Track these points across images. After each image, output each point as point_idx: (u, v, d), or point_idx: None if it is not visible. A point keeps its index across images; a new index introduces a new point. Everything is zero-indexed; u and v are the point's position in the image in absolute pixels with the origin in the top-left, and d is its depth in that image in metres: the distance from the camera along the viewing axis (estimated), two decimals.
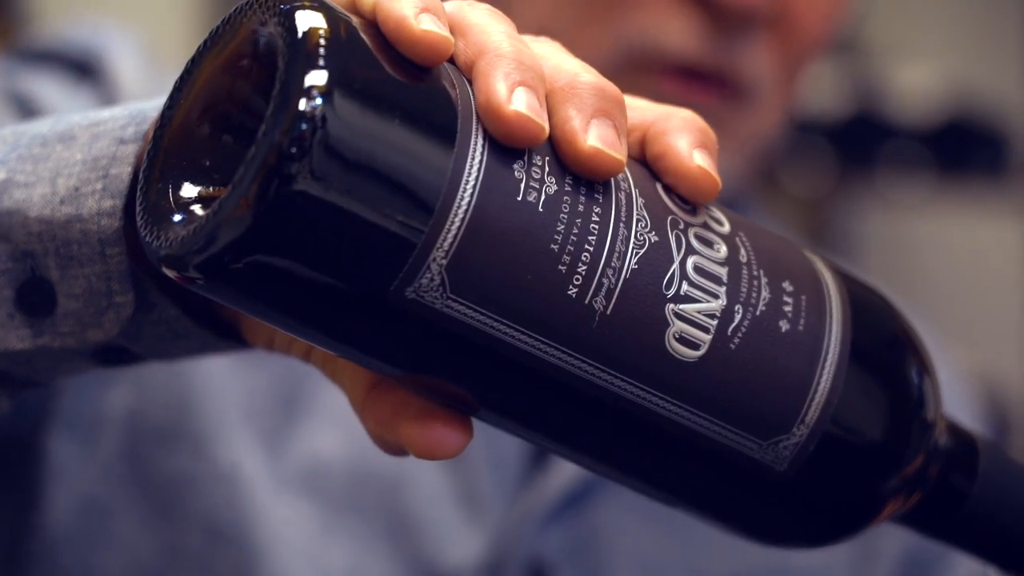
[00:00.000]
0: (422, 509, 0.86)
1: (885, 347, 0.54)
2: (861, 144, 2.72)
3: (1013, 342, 2.71)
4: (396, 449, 0.52)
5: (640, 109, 0.53)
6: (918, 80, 2.75)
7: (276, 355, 0.86)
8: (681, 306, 0.49)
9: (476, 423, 0.52)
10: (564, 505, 0.88)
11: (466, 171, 0.46)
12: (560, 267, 0.47)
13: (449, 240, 0.45)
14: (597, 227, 0.48)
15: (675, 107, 0.53)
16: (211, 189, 0.47)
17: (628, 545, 0.89)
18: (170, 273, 0.46)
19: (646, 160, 0.52)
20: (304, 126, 0.43)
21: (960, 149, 2.68)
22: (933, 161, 2.69)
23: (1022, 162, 2.65)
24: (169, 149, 0.48)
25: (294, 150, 0.43)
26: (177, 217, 0.47)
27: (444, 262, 0.46)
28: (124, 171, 0.52)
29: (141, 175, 0.49)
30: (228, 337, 0.57)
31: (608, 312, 0.48)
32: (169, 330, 0.55)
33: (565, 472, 0.88)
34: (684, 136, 0.52)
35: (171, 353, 0.57)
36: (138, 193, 0.48)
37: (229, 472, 0.84)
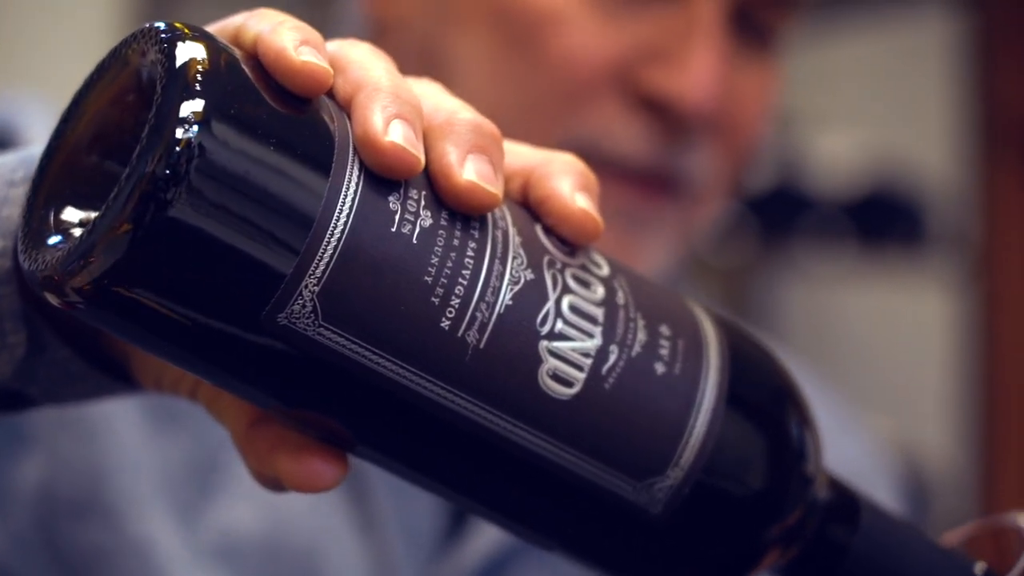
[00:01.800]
0: None
1: (763, 397, 0.54)
2: (781, 214, 2.73)
3: (932, 412, 2.72)
4: (274, 483, 0.52)
5: (521, 155, 0.54)
6: (838, 150, 2.77)
7: (189, 427, 0.86)
8: (555, 343, 0.49)
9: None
10: None
11: (340, 200, 0.46)
12: (433, 299, 0.48)
13: (321, 267, 0.46)
14: (472, 262, 0.48)
15: (555, 152, 0.54)
16: (91, 214, 0.47)
17: None
18: (50, 298, 0.47)
19: (528, 204, 0.53)
20: (178, 154, 0.44)
21: (880, 219, 2.70)
22: (853, 231, 2.71)
23: (941, 232, 2.67)
24: (54, 177, 0.49)
25: (168, 177, 0.44)
26: (55, 239, 0.47)
27: (316, 289, 0.46)
28: (14, 212, 0.52)
29: (25, 202, 0.49)
30: (119, 378, 0.57)
31: (481, 346, 0.48)
32: (63, 372, 0.55)
33: (480, 544, 0.88)
34: (566, 179, 0.53)
35: (65, 396, 0.57)
36: (21, 221, 0.49)
37: (142, 546, 0.84)
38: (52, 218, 0.48)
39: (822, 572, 0.56)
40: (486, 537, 0.88)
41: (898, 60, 2.80)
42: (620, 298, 0.52)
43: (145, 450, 0.86)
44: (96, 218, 0.45)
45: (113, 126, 0.49)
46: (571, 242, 0.52)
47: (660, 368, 0.51)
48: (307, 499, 0.88)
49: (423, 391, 0.48)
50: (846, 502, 0.57)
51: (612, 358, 0.50)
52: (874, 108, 2.88)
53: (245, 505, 0.86)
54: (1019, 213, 2.57)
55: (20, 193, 0.52)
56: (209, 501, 0.86)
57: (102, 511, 0.84)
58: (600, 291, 0.51)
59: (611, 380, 0.50)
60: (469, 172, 0.49)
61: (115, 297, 0.45)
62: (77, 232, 0.47)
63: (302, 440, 0.51)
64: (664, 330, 0.52)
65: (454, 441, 0.50)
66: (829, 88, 2.83)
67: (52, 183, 0.49)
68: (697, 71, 0.86)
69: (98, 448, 0.84)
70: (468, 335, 0.48)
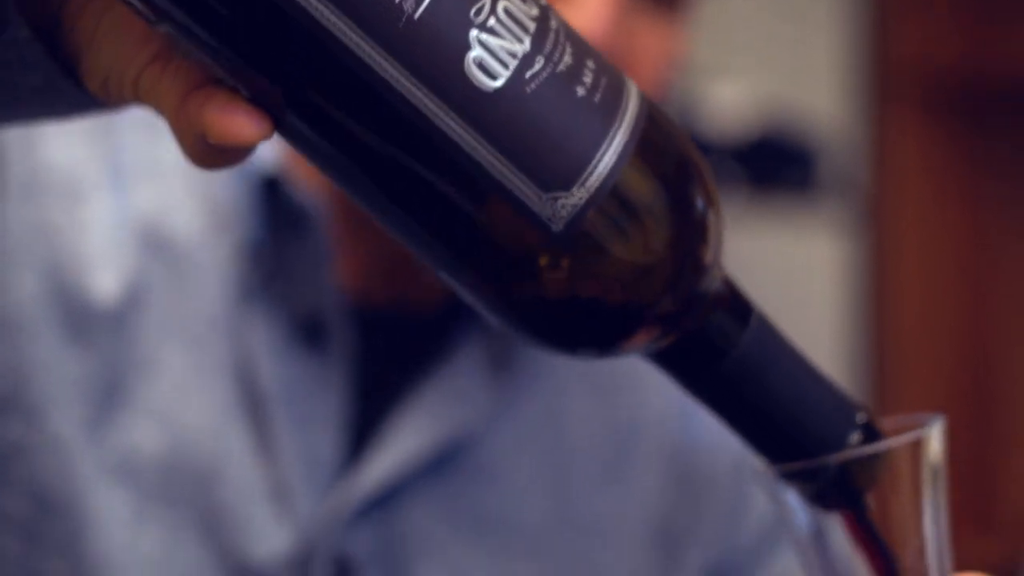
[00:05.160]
0: (233, 503, 0.89)
1: (675, 160, 0.55)
2: None
3: (823, 357, 2.75)
4: (202, 150, 0.54)
5: None
6: (730, 98, 2.79)
7: (100, 345, 0.89)
8: (485, 36, 0.51)
9: None
10: (373, 504, 0.90)
11: None
12: None
13: None
14: None
15: None
16: None
17: (435, 550, 0.92)
18: None
19: None
20: None
21: (771, 165, 2.72)
22: (745, 177, 2.73)
23: (832, 178, 2.69)
24: None
25: None
26: None
27: None
28: None
29: None
30: (70, 76, 0.57)
31: (416, 16, 0.50)
32: (19, 56, 0.56)
33: (376, 472, 0.90)
34: None
35: (14, 89, 0.57)
36: None
37: (60, 444, 0.86)
38: None
39: (699, 367, 0.57)
40: (383, 467, 0.90)
41: (789, 7, 2.81)
42: (553, 24, 0.54)
43: (61, 358, 0.87)
44: None
45: None
46: None
47: (581, 91, 0.53)
48: (208, 422, 0.89)
49: (352, 47, 0.50)
50: (739, 305, 0.58)
51: (537, 67, 0.52)
52: (765, 56, 2.90)
53: (146, 425, 0.88)
54: (911, 158, 2.60)
55: None
56: (111, 419, 0.88)
57: (24, 408, 0.86)
58: (536, 11, 0.53)
59: (533, 86, 0.52)
60: None
61: None
62: None
63: (232, 96, 0.53)
64: (590, 63, 0.54)
65: (372, 110, 0.51)
66: (721, 37, 2.84)
67: None
68: (588, 8, 0.88)
69: (22, 348, 0.86)
70: (404, 2, 0.50)
